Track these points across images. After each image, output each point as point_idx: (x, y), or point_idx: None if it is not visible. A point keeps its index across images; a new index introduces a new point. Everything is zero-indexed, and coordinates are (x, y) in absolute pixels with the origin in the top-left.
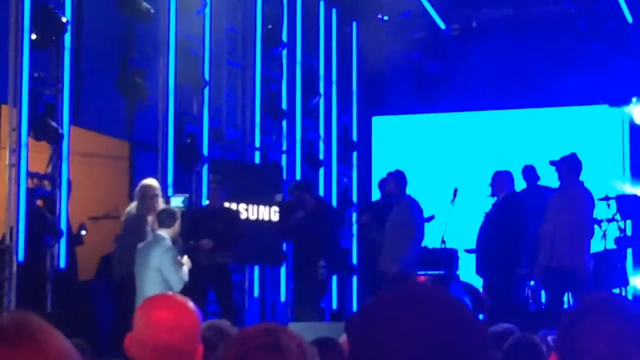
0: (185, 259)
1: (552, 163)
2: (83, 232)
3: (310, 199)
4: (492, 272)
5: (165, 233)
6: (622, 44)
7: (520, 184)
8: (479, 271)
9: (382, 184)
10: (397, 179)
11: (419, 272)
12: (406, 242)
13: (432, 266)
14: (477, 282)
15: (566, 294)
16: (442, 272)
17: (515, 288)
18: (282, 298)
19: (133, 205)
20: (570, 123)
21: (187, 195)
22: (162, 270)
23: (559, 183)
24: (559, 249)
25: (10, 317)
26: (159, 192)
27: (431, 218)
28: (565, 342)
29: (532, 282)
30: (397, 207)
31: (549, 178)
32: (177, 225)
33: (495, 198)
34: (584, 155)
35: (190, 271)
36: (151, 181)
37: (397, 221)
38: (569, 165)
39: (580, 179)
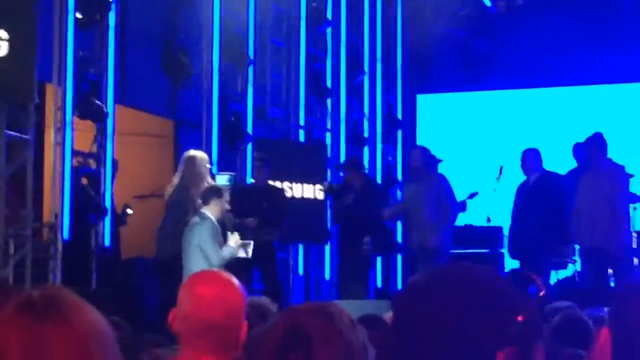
0: (236, 236)
1: (577, 146)
2: (129, 211)
3: (358, 179)
4: (535, 253)
5: (208, 211)
6: None
7: (572, 163)
8: (516, 253)
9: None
10: (424, 154)
11: (462, 250)
12: (444, 217)
13: (477, 244)
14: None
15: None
16: (486, 250)
17: (561, 267)
18: (327, 276)
19: (175, 180)
20: (614, 101)
21: (233, 173)
22: (202, 248)
23: (589, 163)
24: (599, 228)
25: (41, 291)
26: (206, 163)
27: (474, 195)
28: (617, 318)
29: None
30: (428, 181)
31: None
32: (223, 203)
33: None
34: (623, 133)
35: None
36: (196, 152)
37: (430, 196)
38: (597, 144)
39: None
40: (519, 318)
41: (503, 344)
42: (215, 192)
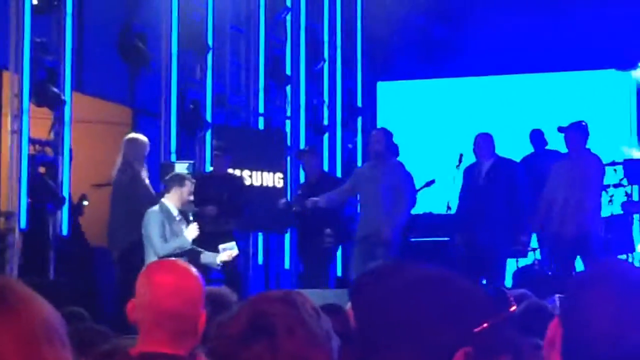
0: (193, 226)
1: (560, 129)
2: (85, 203)
3: (317, 168)
4: (491, 242)
5: (168, 199)
6: (629, 7)
7: (528, 149)
8: (466, 241)
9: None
10: (387, 137)
11: (421, 238)
12: (400, 208)
13: (437, 232)
14: None
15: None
16: (446, 238)
17: (520, 255)
18: (287, 265)
19: (118, 161)
20: (578, 88)
21: (192, 161)
22: (148, 238)
23: (567, 150)
24: (571, 216)
25: None
26: (146, 147)
27: (431, 182)
28: (569, 308)
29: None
30: (387, 168)
31: (557, 143)
32: (183, 191)
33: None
34: (591, 120)
35: (196, 238)
36: (137, 135)
37: (388, 184)
38: (579, 132)
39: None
40: (485, 324)
41: (462, 343)
42: (177, 180)
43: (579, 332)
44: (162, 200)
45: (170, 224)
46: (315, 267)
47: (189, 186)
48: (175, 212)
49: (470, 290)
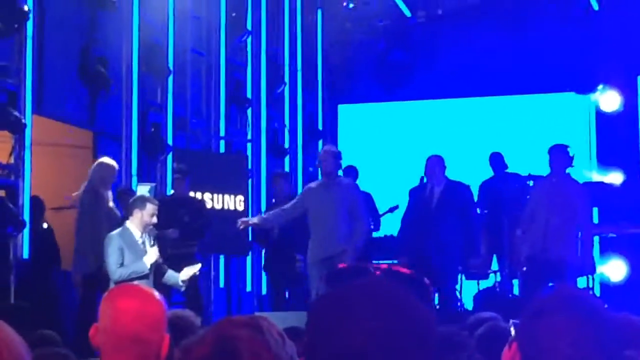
0: (152, 250)
1: (493, 155)
2: (45, 226)
3: (287, 192)
4: (444, 265)
5: (130, 223)
6: (587, 31)
7: (486, 170)
8: (414, 262)
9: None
10: (337, 157)
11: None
12: (356, 230)
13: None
14: None
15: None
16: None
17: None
18: (248, 288)
19: (83, 186)
20: (538, 110)
21: (154, 184)
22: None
23: (549, 170)
24: (551, 239)
25: None
26: (113, 171)
27: (395, 208)
28: (527, 334)
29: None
30: (338, 187)
31: (516, 166)
32: (145, 214)
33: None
34: (551, 143)
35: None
36: (106, 159)
37: (342, 204)
38: (563, 156)
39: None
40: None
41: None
42: (139, 202)
43: (537, 358)
44: (126, 223)
45: (131, 247)
46: (283, 290)
47: (150, 209)
48: (137, 235)
49: (424, 313)
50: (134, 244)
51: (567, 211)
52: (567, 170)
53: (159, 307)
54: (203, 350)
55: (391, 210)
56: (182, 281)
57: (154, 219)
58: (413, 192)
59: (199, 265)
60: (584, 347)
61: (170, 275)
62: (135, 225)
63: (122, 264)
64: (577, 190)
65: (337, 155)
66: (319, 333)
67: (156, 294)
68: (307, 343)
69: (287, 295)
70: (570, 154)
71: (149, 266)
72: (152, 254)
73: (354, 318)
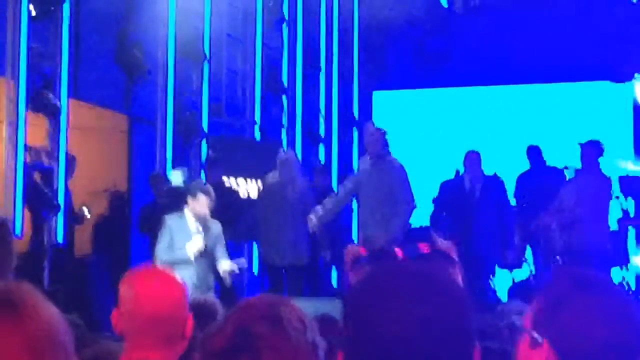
0: (196, 238)
1: (530, 148)
2: (86, 214)
3: (324, 184)
4: (481, 252)
5: (187, 209)
6: (624, 21)
7: (521, 159)
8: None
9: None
10: (385, 136)
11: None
12: (400, 210)
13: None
14: None
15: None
16: None
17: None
18: None
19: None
20: (573, 99)
21: (185, 168)
22: None
23: (581, 165)
24: (583, 231)
25: (0, 286)
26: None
27: None
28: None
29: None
30: (383, 168)
31: (550, 154)
32: (195, 203)
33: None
34: (587, 133)
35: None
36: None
37: (386, 185)
38: (595, 150)
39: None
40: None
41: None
42: (192, 192)
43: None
44: (185, 209)
45: (181, 233)
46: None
47: (202, 200)
48: (191, 222)
49: (464, 295)
50: (185, 231)
51: (597, 204)
52: (599, 164)
53: (178, 287)
54: (222, 342)
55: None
56: (224, 271)
57: (206, 211)
58: (447, 185)
59: (243, 261)
60: (617, 324)
61: (222, 263)
62: (189, 212)
63: (170, 248)
64: (606, 184)
65: (385, 135)
66: (359, 322)
67: (173, 274)
68: (346, 333)
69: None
70: (601, 148)
71: (191, 254)
72: (195, 243)
73: (397, 303)
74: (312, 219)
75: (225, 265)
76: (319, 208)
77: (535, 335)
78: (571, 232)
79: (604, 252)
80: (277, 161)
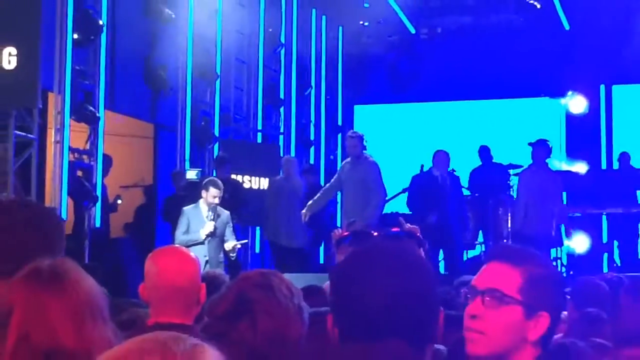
0: (209, 224)
1: (482, 148)
2: (119, 201)
3: (313, 182)
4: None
5: (202, 201)
6: (560, 47)
7: (476, 161)
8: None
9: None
10: (362, 140)
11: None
12: (373, 200)
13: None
14: None
15: None
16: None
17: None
18: None
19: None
20: (518, 111)
21: (200, 169)
22: None
23: (531, 161)
24: (531, 217)
25: (50, 262)
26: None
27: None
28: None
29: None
30: (360, 166)
31: (500, 157)
32: (207, 195)
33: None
34: (529, 138)
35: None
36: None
37: (363, 179)
38: (545, 148)
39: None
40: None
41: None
42: (205, 185)
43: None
44: (199, 201)
45: (195, 220)
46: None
47: (213, 191)
48: (204, 211)
49: (431, 270)
50: (199, 218)
51: (544, 195)
52: (547, 161)
53: (193, 262)
54: (225, 306)
55: (404, 191)
56: (228, 249)
57: (216, 200)
58: (418, 178)
59: (244, 241)
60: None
61: (228, 243)
62: (203, 203)
63: (187, 232)
64: (552, 178)
65: (362, 138)
66: (344, 291)
67: (191, 253)
68: (334, 301)
69: None
70: (549, 147)
71: (203, 237)
72: (207, 227)
73: (375, 276)
74: (304, 212)
75: (229, 244)
76: (310, 202)
77: None
78: (521, 219)
79: (548, 237)
80: (282, 162)
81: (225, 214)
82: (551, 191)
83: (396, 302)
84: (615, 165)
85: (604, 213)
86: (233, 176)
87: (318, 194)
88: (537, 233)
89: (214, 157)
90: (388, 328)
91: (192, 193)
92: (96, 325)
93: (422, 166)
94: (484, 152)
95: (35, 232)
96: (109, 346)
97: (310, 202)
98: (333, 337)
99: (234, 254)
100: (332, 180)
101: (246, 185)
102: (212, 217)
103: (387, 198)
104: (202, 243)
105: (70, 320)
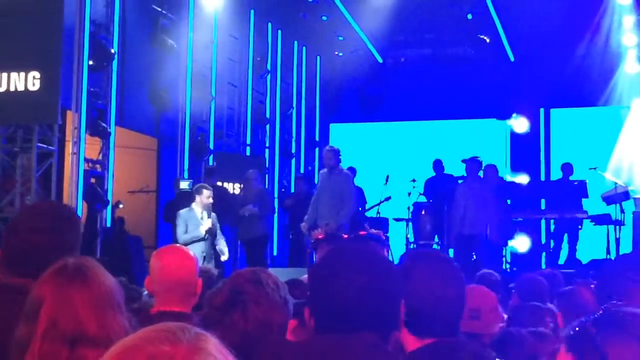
0: (207, 222)
1: (462, 161)
2: (120, 205)
3: (305, 189)
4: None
5: (195, 204)
6: (506, 75)
7: (430, 172)
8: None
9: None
10: (336, 153)
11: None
12: (343, 207)
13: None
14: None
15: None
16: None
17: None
18: (274, 252)
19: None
20: (469, 130)
21: (191, 180)
22: None
23: (466, 174)
24: (468, 221)
25: (74, 259)
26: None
27: (388, 198)
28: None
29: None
30: (337, 177)
31: (451, 169)
32: (202, 197)
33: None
34: (478, 154)
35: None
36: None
37: (337, 188)
38: (475, 164)
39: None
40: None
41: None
42: (198, 190)
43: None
44: (192, 204)
45: (192, 220)
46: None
47: (206, 193)
48: (198, 212)
49: (394, 268)
50: (195, 219)
51: (480, 202)
52: (479, 174)
53: (192, 260)
54: (221, 300)
55: (386, 200)
56: (220, 249)
57: (210, 199)
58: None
59: (209, 221)
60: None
61: (220, 242)
62: (197, 205)
63: (186, 232)
64: (486, 188)
65: (337, 152)
66: (319, 286)
67: (188, 250)
68: (311, 294)
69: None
70: (480, 162)
71: (203, 233)
72: (206, 224)
73: (345, 272)
74: (303, 225)
75: (222, 244)
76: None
77: None
78: (462, 222)
79: (485, 237)
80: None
81: (213, 215)
82: (485, 198)
83: (364, 296)
84: (556, 176)
85: (543, 218)
86: (219, 183)
87: (309, 208)
88: (476, 234)
89: (205, 166)
90: (357, 318)
91: (186, 200)
92: (115, 315)
93: (387, 177)
94: (438, 164)
95: (68, 233)
96: (126, 333)
97: (305, 216)
98: (309, 327)
99: (226, 257)
100: (316, 192)
101: (230, 191)
102: (206, 217)
103: (367, 207)
104: (203, 239)
105: (93, 311)
